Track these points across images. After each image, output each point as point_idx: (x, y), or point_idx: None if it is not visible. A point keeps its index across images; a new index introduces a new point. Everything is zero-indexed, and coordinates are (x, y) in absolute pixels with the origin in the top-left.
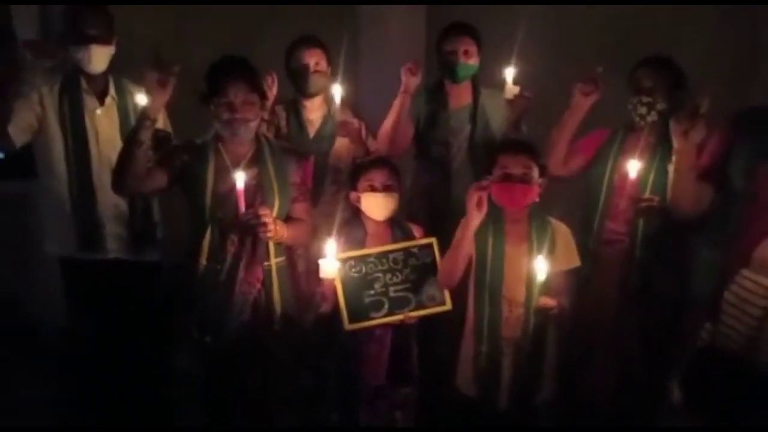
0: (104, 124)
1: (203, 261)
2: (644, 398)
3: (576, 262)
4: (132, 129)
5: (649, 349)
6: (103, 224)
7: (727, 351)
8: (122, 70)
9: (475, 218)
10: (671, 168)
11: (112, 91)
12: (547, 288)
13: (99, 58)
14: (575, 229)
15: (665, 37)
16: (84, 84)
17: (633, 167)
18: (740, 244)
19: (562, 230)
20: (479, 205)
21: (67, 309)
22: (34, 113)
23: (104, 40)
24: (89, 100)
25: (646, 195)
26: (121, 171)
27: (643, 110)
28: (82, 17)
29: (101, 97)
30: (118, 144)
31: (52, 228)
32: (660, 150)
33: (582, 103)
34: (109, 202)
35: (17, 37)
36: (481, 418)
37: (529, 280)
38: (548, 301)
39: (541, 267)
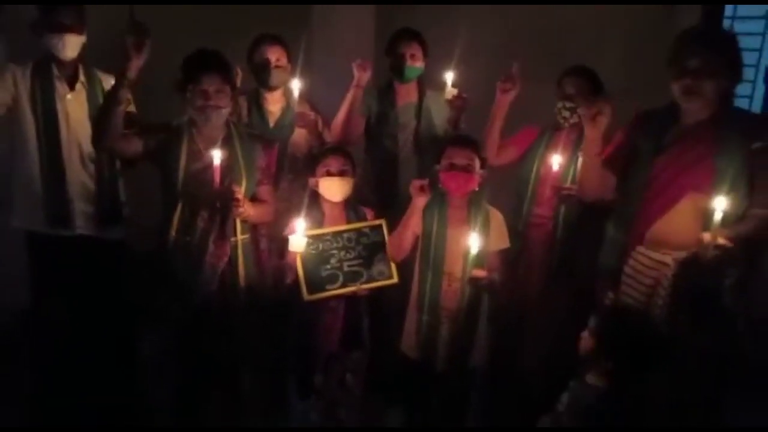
0: (74, 108)
1: (173, 233)
2: (568, 359)
3: (506, 243)
4: (111, 87)
5: (570, 315)
6: (72, 202)
7: (625, 314)
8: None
9: (419, 200)
10: (580, 154)
11: (82, 77)
12: (480, 263)
13: (71, 46)
14: (507, 215)
15: (590, 45)
16: (55, 70)
17: (556, 161)
18: (637, 226)
19: (496, 216)
20: (422, 189)
21: (31, 283)
22: (9, 92)
23: (77, 30)
24: (60, 86)
25: (567, 185)
26: (100, 125)
27: (566, 113)
28: (56, 7)
29: (71, 83)
30: (88, 126)
31: (22, 204)
32: (580, 147)
33: (503, 99)
34: (78, 180)
35: None
36: (422, 379)
37: (467, 257)
38: (479, 273)
39: (474, 242)
